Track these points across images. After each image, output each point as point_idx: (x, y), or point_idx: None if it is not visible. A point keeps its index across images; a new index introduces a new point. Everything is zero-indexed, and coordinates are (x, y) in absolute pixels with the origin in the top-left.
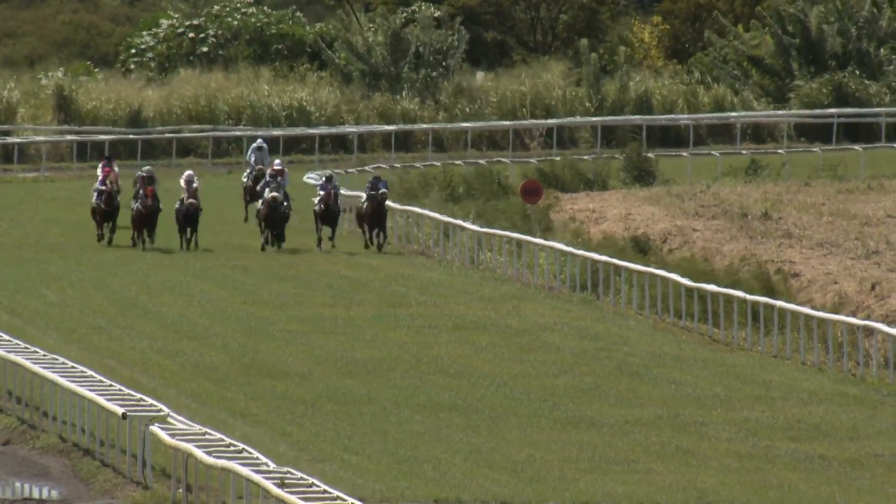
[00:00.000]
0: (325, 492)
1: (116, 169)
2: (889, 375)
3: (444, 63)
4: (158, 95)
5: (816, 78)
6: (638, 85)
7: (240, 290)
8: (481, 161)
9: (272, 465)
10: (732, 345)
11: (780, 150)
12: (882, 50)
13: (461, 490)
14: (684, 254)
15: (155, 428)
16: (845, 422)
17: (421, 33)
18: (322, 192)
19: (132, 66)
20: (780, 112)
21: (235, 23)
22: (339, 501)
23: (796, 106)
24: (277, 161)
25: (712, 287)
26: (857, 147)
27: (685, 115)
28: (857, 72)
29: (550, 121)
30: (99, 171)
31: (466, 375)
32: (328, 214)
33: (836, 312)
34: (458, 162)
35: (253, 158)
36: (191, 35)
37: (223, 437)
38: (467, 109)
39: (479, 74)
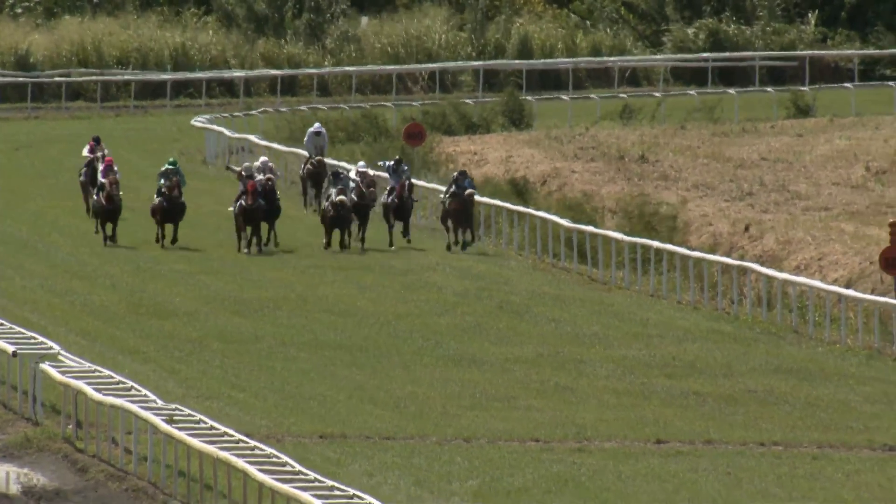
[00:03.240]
0: (212, 428)
1: (116, 168)
2: (762, 314)
3: (329, 10)
4: (47, 39)
5: (692, 23)
6: (519, 29)
7: (128, 231)
8: (365, 105)
9: (160, 402)
10: (610, 284)
11: (656, 94)
12: None
13: (345, 426)
14: (563, 195)
15: (45, 366)
16: (719, 359)
17: None
18: (394, 183)
19: (20, 11)
20: (657, 56)
21: None
22: (225, 437)
23: (671, 50)
24: (361, 163)
25: (590, 228)
26: (731, 91)
27: (564, 59)
28: (732, 17)
29: (433, 65)
30: (86, 152)
31: (351, 314)
32: (401, 208)
33: (712, 252)
34: (342, 106)
35: (311, 145)
36: None
37: (112, 374)
38: (352, 54)
39: (363, 20)
